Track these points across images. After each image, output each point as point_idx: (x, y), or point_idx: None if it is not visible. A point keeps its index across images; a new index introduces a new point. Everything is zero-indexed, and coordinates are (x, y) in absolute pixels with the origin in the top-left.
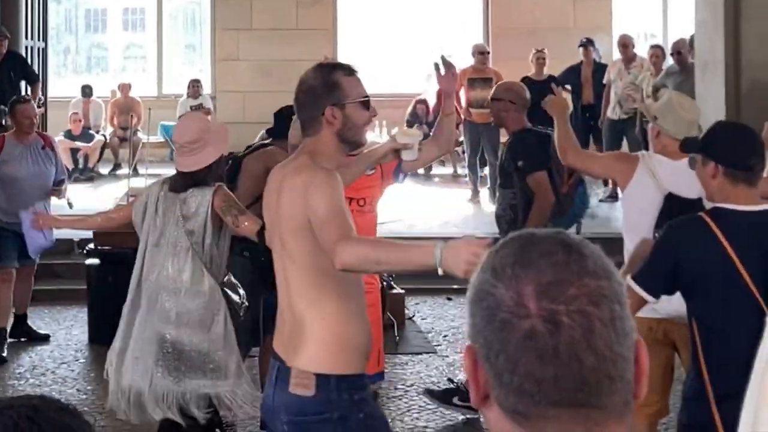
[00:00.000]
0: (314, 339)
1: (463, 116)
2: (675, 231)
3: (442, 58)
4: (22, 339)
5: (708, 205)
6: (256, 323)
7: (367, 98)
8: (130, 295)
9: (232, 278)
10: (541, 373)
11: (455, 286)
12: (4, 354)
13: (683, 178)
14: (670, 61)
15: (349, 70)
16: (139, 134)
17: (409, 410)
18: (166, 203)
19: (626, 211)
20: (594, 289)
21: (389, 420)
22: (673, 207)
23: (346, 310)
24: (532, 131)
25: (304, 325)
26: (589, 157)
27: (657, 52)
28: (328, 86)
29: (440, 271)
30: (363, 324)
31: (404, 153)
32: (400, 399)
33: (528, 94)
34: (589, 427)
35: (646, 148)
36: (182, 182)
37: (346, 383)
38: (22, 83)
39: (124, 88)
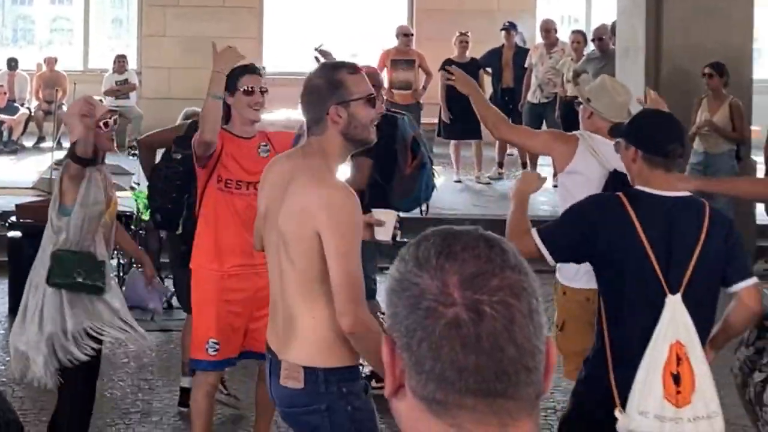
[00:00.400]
0: (304, 336)
1: (385, 97)
2: (591, 206)
3: (319, 50)
4: None
5: None
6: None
7: (372, 95)
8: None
9: None
10: (464, 361)
11: None
12: None
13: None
14: (591, 46)
15: (353, 68)
16: (64, 108)
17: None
18: None
19: (570, 189)
20: (515, 282)
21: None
22: (617, 183)
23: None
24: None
25: (296, 322)
26: (526, 132)
27: (578, 37)
28: (333, 85)
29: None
30: None
31: (377, 230)
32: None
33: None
34: (503, 419)
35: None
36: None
37: (335, 376)
38: None
39: (50, 61)
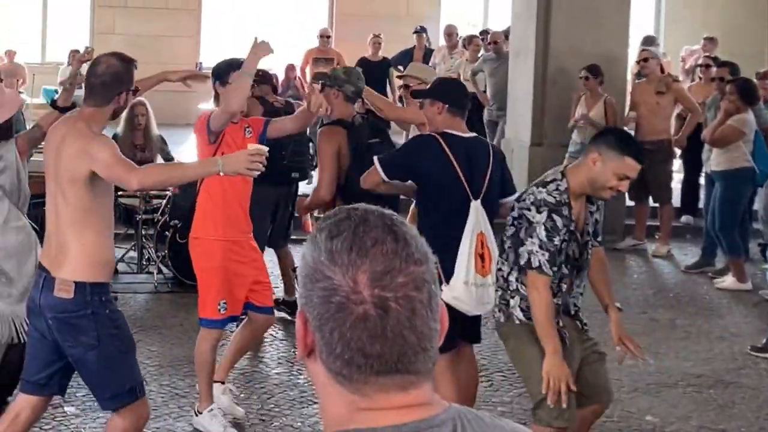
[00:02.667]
0: (75, 257)
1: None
2: (417, 142)
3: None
4: None
5: None
6: None
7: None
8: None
9: None
10: (370, 349)
11: None
12: None
13: None
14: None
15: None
16: (23, 96)
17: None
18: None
19: None
20: (418, 276)
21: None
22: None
23: (100, 238)
24: None
25: (68, 247)
26: (401, 108)
27: (475, 40)
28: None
29: (221, 173)
30: (110, 249)
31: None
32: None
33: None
34: (403, 385)
35: None
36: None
37: (97, 289)
38: None
39: (10, 54)
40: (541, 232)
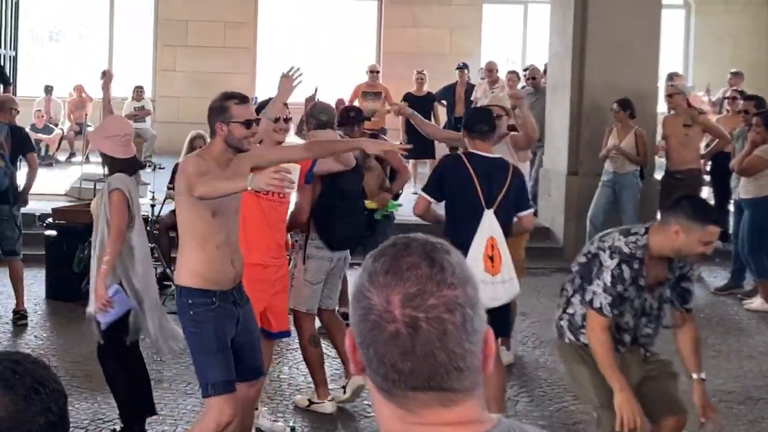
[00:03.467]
0: (177, 265)
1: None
2: (446, 161)
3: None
4: None
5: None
6: None
7: (249, 120)
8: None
9: None
10: (402, 366)
11: None
12: None
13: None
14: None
15: (240, 98)
16: (91, 129)
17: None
18: (132, 185)
19: None
20: (450, 299)
21: (288, 367)
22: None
23: (195, 253)
24: None
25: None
26: (449, 131)
27: (513, 77)
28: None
29: (250, 188)
30: (204, 263)
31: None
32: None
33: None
34: (444, 402)
35: None
36: (134, 165)
37: (185, 292)
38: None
39: (78, 88)
40: (607, 277)
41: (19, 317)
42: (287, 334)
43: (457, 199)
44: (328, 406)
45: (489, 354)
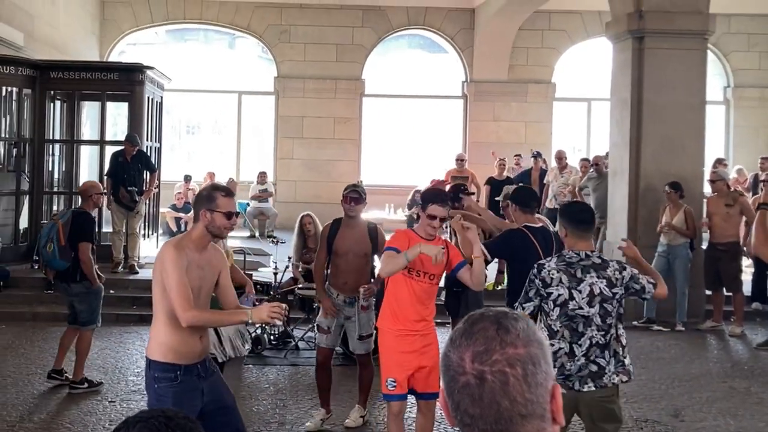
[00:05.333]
0: (150, 338)
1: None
2: (510, 233)
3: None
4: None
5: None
6: None
7: (231, 213)
8: None
9: None
10: (472, 411)
11: None
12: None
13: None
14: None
15: (226, 191)
16: None
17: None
18: None
19: None
20: (512, 356)
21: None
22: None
23: (167, 329)
24: None
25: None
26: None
27: (585, 163)
28: (208, 198)
29: (250, 321)
30: (179, 339)
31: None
32: None
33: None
34: None
35: None
36: None
37: (154, 366)
38: (146, 173)
39: (210, 175)
40: None
41: (56, 376)
42: (435, 395)
43: (523, 261)
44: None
45: (557, 408)
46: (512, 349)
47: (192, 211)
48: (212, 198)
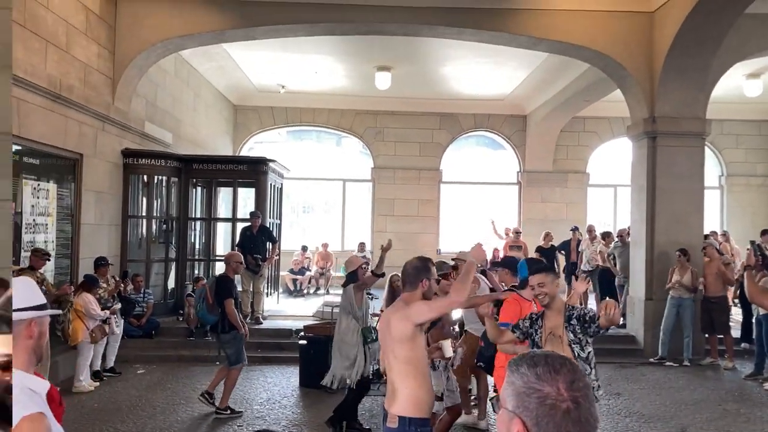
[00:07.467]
0: (401, 398)
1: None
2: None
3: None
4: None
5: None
6: None
7: (438, 277)
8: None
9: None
10: (572, 431)
11: None
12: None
13: None
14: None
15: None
16: (331, 271)
17: None
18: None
19: None
20: (586, 382)
21: None
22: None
23: (418, 383)
24: None
25: (397, 390)
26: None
27: (610, 238)
28: (426, 269)
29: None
30: (428, 391)
31: (445, 351)
32: None
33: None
34: None
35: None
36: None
37: (414, 422)
38: (268, 244)
39: (325, 245)
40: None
41: (207, 398)
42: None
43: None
44: None
45: None
46: (582, 377)
47: (306, 275)
48: (429, 269)
